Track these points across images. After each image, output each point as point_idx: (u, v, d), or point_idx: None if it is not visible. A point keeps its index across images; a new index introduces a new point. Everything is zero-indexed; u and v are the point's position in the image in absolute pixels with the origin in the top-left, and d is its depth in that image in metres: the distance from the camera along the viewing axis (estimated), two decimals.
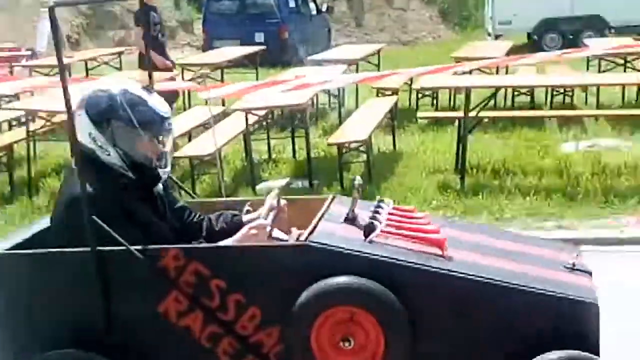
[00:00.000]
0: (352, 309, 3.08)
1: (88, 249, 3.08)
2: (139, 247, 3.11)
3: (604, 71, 10.77)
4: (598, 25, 18.05)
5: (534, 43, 18.70)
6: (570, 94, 10.53)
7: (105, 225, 3.08)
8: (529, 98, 10.59)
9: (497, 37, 18.65)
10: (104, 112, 3.24)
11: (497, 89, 8.41)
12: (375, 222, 3.30)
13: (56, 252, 3.16)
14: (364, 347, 3.10)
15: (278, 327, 3.15)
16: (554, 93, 10.49)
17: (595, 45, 11.29)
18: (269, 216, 3.39)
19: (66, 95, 3.09)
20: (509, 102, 10.69)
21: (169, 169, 3.37)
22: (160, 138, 3.31)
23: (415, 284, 3.11)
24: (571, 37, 18.02)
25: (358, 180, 3.50)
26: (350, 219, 3.39)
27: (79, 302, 3.15)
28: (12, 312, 3.18)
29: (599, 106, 10.20)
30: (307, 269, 3.12)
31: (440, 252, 3.21)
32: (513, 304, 3.10)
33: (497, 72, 10.49)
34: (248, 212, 3.53)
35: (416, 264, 3.12)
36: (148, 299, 3.16)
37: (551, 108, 10.34)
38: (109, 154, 3.26)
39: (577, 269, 3.32)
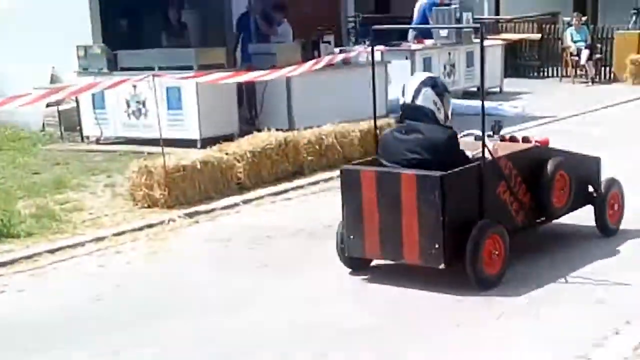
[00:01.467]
0: (561, 172, 6.70)
1: (476, 164, 6.11)
2: (495, 158, 6.21)
3: None
4: None
5: None
6: None
7: (490, 149, 6.28)
8: None
9: None
10: (444, 88, 6.33)
11: None
12: (530, 137, 7.21)
13: (464, 169, 6.03)
14: (568, 192, 6.82)
15: (530, 192, 6.53)
16: None
17: None
18: (491, 141, 6.55)
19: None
20: None
21: None
22: None
23: (568, 159, 6.89)
24: None
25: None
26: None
27: (476, 194, 6.08)
28: (458, 204, 5.94)
29: None
30: (542, 157, 6.66)
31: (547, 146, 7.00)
32: (590, 164, 7.29)
33: None
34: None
35: (569, 151, 7.13)
36: (494, 187, 6.23)
37: None
38: (440, 113, 6.20)
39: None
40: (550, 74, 20.46)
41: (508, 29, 20.69)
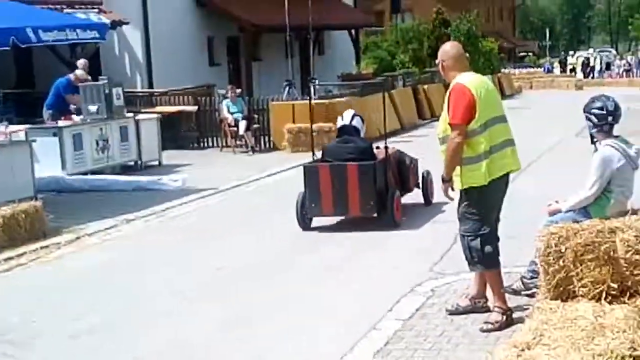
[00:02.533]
0: (412, 165, 12.13)
1: (383, 158, 11.20)
2: (389, 155, 11.38)
3: None
4: None
5: None
6: None
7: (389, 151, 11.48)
8: None
9: None
10: (362, 118, 11.85)
11: None
12: (388, 145, 11.48)
13: (380, 160, 11.07)
14: (415, 176, 12.23)
15: (399, 175, 11.72)
16: None
17: None
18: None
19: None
20: None
21: None
22: None
23: (412, 157, 12.20)
24: None
25: None
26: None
27: (385, 174, 11.13)
28: (379, 179, 10.98)
29: None
30: (402, 156, 12.04)
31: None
32: (416, 162, 12.22)
33: None
34: None
35: (408, 154, 12.36)
36: (389, 171, 11.19)
37: None
38: (363, 131, 11.62)
39: None
40: (210, 145, 21.00)
41: (163, 102, 21.00)
